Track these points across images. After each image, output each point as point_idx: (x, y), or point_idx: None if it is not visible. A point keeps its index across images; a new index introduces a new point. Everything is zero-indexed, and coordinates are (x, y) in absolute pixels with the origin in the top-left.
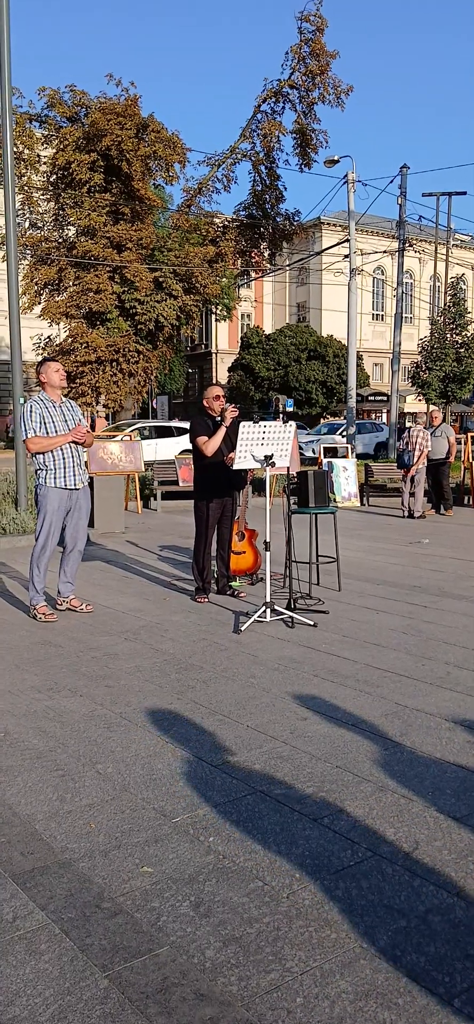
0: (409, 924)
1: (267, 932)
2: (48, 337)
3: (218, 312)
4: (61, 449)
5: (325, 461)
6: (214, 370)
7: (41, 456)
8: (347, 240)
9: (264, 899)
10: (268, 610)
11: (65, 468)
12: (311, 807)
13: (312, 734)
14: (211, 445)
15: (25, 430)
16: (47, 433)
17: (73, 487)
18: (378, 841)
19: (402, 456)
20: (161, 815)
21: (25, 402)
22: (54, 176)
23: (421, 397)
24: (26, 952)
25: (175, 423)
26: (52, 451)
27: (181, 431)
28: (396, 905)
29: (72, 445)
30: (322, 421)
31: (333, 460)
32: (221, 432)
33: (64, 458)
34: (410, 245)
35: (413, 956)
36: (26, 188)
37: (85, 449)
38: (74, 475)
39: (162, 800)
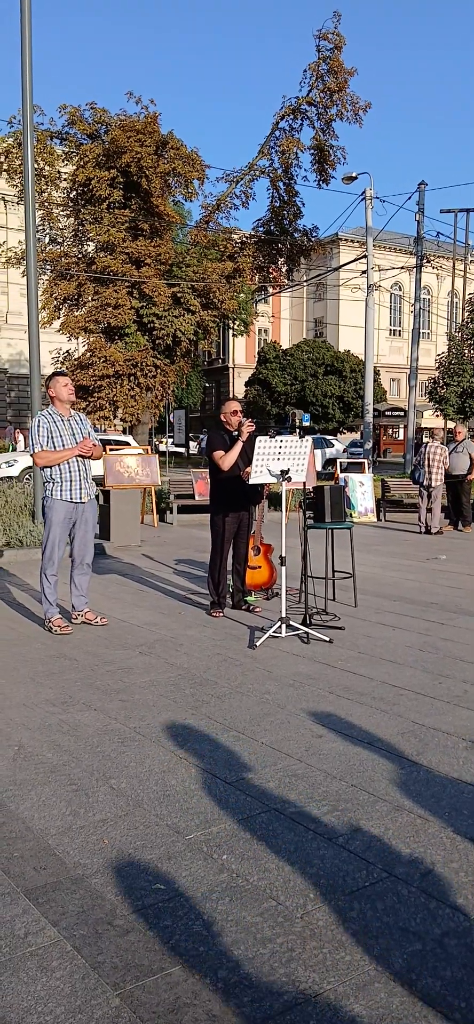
0: (425, 947)
1: (281, 953)
2: (67, 351)
3: (235, 327)
4: (68, 463)
5: (341, 476)
6: (231, 385)
7: (48, 470)
8: (364, 256)
9: (278, 919)
10: (283, 625)
11: (71, 481)
12: (326, 826)
13: (327, 752)
14: (227, 460)
15: (33, 445)
16: (54, 447)
17: (79, 500)
18: (393, 862)
19: (414, 472)
20: (175, 832)
21: (35, 417)
22: (74, 192)
23: (439, 413)
24: (38, 968)
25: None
26: (59, 464)
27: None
28: (412, 928)
29: (79, 459)
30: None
31: (350, 475)
32: (237, 447)
33: (71, 472)
34: (428, 261)
35: (429, 980)
36: (46, 204)
37: (98, 460)
38: (80, 488)
39: (176, 817)
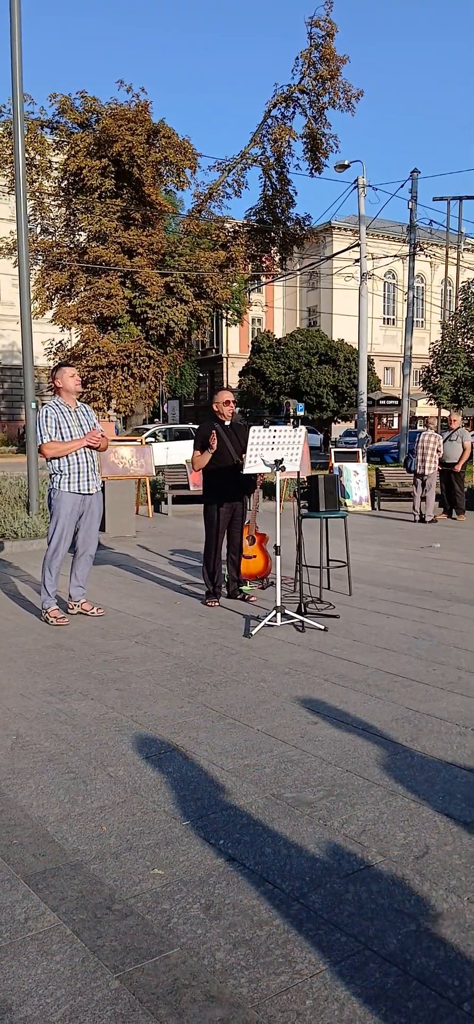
0: (419, 928)
1: (277, 935)
2: (59, 342)
3: (229, 317)
4: (76, 454)
5: (336, 465)
6: (225, 374)
7: (56, 461)
8: (358, 244)
9: (274, 902)
10: (278, 614)
11: (79, 473)
12: (321, 811)
13: (322, 738)
14: (198, 463)
15: (40, 435)
16: (62, 438)
17: (87, 492)
18: (388, 845)
19: (407, 461)
20: (172, 818)
21: (37, 407)
22: (65, 182)
23: (433, 401)
24: (38, 952)
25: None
26: (67, 456)
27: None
28: (406, 909)
29: (86, 450)
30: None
31: (344, 464)
32: (207, 456)
33: (78, 463)
34: (421, 249)
35: (423, 960)
36: (37, 194)
37: (104, 451)
38: (88, 480)
39: (173, 803)
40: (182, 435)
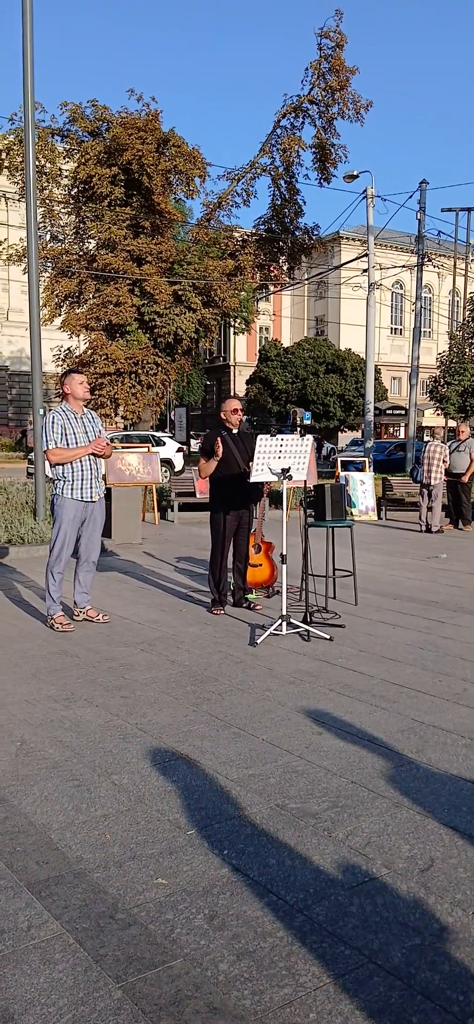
0: (424, 942)
1: (281, 947)
2: (68, 349)
3: (236, 325)
4: (80, 461)
5: (342, 474)
6: (232, 383)
7: (59, 467)
8: (366, 254)
9: (278, 913)
10: (284, 623)
11: (82, 480)
12: (326, 822)
13: (327, 749)
14: (203, 471)
15: (46, 441)
16: (68, 444)
17: (89, 499)
18: (393, 858)
19: (413, 471)
20: (176, 827)
21: (45, 414)
22: (75, 190)
23: (440, 411)
24: (40, 961)
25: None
26: (71, 462)
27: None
28: (411, 922)
29: (91, 457)
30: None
31: (351, 474)
32: (213, 463)
33: (82, 470)
34: (429, 260)
35: (427, 974)
36: (48, 201)
37: (107, 458)
38: (91, 487)
39: (177, 812)
40: (141, 441)
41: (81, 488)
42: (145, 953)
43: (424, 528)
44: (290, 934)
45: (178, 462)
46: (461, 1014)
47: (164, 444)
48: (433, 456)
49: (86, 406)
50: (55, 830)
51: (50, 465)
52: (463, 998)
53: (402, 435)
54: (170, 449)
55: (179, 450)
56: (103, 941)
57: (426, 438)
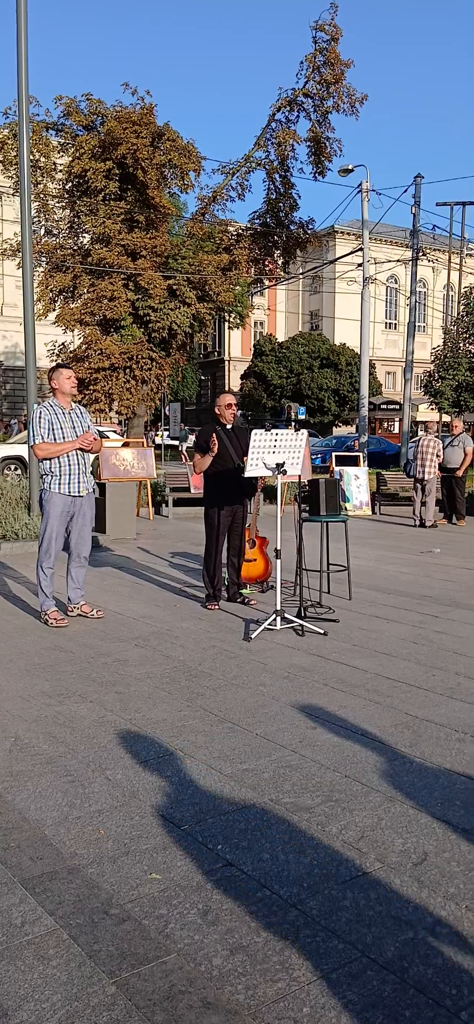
0: (417, 936)
1: (274, 941)
2: (62, 344)
3: (231, 320)
4: (67, 456)
5: (336, 469)
6: (227, 377)
7: (47, 462)
8: (361, 249)
9: (272, 908)
10: (278, 618)
11: (70, 475)
12: (319, 816)
13: (321, 743)
14: (199, 465)
15: (33, 436)
16: (55, 439)
17: (77, 494)
18: (386, 852)
19: (406, 466)
20: (170, 822)
21: (36, 408)
22: (70, 184)
23: (434, 406)
24: (34, 957)
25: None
26: (58, 457)
27: None
28: (404, 916)
29: (79, 452)
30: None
31: (345, 468)
32: (208, 459)
33: (69, 465)
34: (424, 254)
35: (420, 968)
36: (42, 196)
37: (97, 453)
38: (78, 482)
39: (171, 807)
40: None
41: (68, 483)
42: (139, 948)
43: (418, 523)
44: (284, 928)
45: None
46: (454, 1007)
47: (107, 438)
48: (427, 451)
49: (80, 401)
50: (49, 826)
51: (38, 460)
52: (456, 992)
53: (396, 429)
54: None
55: (124, 445)
56: (97, 936)
57: (420, 433)
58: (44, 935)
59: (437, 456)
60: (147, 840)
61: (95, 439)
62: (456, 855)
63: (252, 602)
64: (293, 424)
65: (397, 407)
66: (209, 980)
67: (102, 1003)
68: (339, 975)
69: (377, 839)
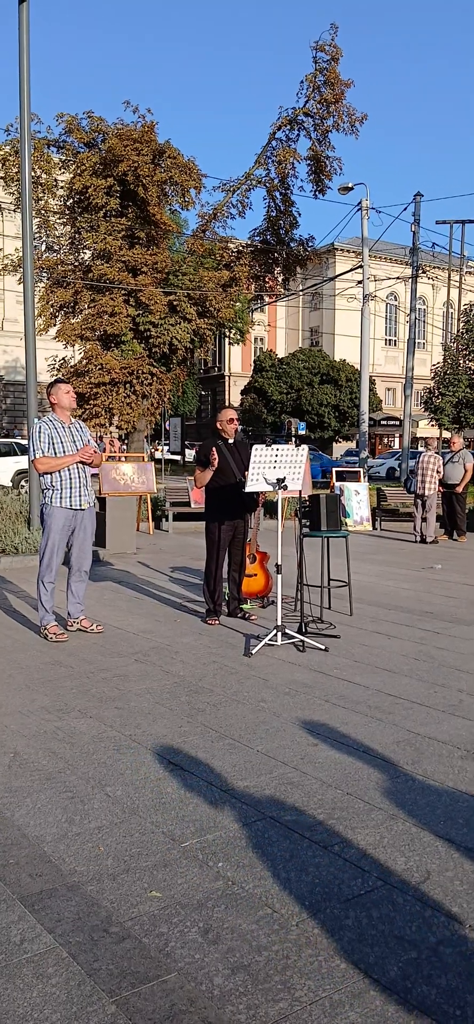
0: (420, 955)
1: (276, 960)
2: (63, 359)
3: (231, 336)
4: (68, 469)
5: (337, 485)
6: (227, 393)
7: (48, 476)
8: (361, 266)
9: (273, 927)
10: (279, 634)
11: (71, 488)
12: (321, 834)
13: (322, 760)
14: (199, 480)
15: (33, 450)
16: (55, 453)
17: (78, 507)
18: (389, 870)
19: (407, 482)
20: (170, 839)
21: (36, 422)
22: (71, 200)
23: (434, 422)
24: (33, 975)
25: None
26: (59, 471)
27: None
28: (407, 936)
29: (79, 466)
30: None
31: (345, 484)
32: (209, 473)
33: (71, 479)
34: (423, 272)
35: (424, 988)
36: (43, 212)
37: (95, 468)
38: (79, 496)
39: (171, 824)
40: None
41: (69, 497)
42: (139, 967)
43: (419, 539)
44: (285, 948)
45: None
46: None
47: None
48: (427, 467)
49: (81, 416)
50: (48, 842)
51: (39, 475)
52: (460, 1012)
53: (397, 445)
54: None
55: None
56: (97, 955)
57: (420, 449)
58: (43, 953)
59: (437, 472)
60: (147, 857)
61: (95, 452)
62: (459, 874)
63: (253, 617)
64: (293, 440)
65: (397, 423)
66: (210, 1000)
67: (102, 1022)
68: (341, 995)
69: (379, 857)
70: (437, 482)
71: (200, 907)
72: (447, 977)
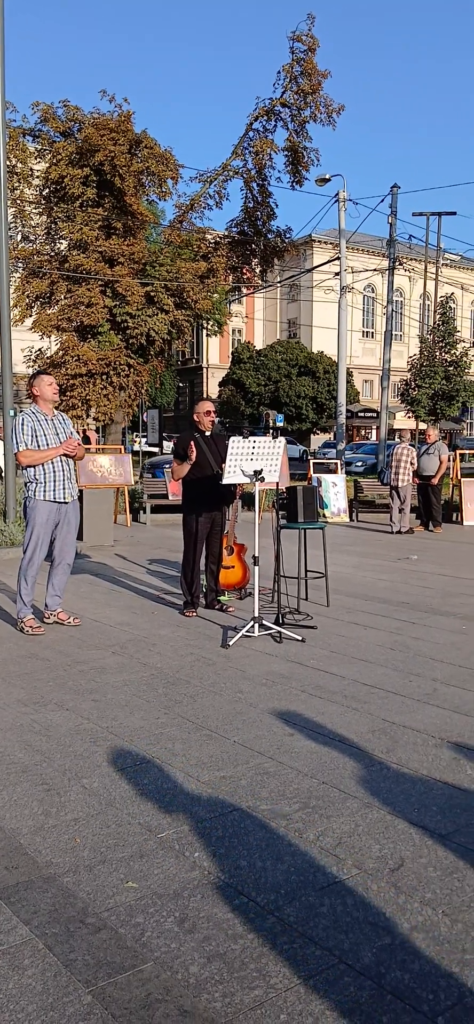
0: (394, 941)
1: (252, 948)
2: (39, 350)
3: (209, 327)
4: (52, 462)
5: (314, 476)
6: (205, 384)
7: (32, 469)
8: (338, 258)
9: (249, 915)
10: (256, 625)
11: (55, 481)
12: (297, 823)
13: (299, 750)
14: (177, 473)
15: (16, 443)
16: (38, 446)
17: (62, 500)
18: (363, 858)
19: (381, 474)
20: (147, 830)
21: (15, 415)
22: (47, 190)
23: (410, 414)
24: (9, 967)
25: None
26: (43, 464)
27: None
28: (381, 922)
29: (63, 458)
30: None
31: (323, 476)
32: (186, 467)
33: (54, 471)
34: (400, 264)
35: (397, 973)
36: (18, 201)
37: (81, 460)
38: (64, 488)
39: (148, 815)
40: None
41: (53, 489)
42: (115, 957)
43: (395, 529)
44: (261, 936)
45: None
46: (431, 1012)
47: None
48: (400, 458)
49: (57, 408)
50: (24, 835)
51: (22, 468)
52: (433, 996)
53: (374, 437)
54: None
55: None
56: (73, 946)
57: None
58: (19, 945)
59: (411, 464)
60: (124, 848)
61: (79, 445)
62: (433, 860)
63: (230, 609)
64: (271, 431)
65: (374, 415)
66: (186, 988)
67: (78, 1012)
68: (316, 981)
69: (354, 845)
70: (411, 473)
71: (176, 897)
72: (420, 962)
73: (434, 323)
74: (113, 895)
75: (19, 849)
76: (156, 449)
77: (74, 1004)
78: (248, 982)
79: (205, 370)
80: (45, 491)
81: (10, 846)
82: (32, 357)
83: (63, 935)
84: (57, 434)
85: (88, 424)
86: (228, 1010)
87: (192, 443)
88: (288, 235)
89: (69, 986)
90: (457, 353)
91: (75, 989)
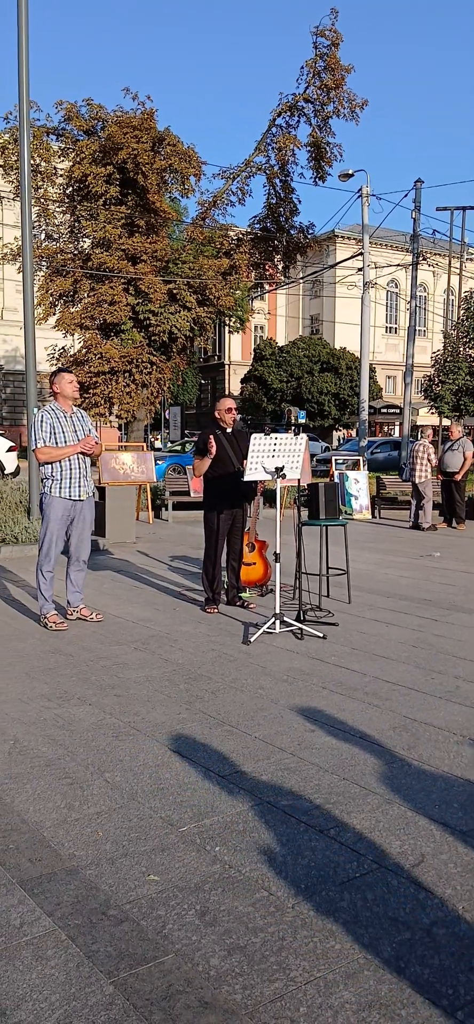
0: (413, 936)
1: (272, 942)
2: (62, 348)
3: (231, 324)
4: (69, 460)
5: (336, 473)
6: (227, 381)
7: (48, 466)
8: (361, 253)
9: (269, 909)
10: (277, 621)
11: (71, 479)
12: (317, 819)
13: (319, 746)
14: (198, 469)
15: (35, 439)
16: (56, 443)
17: (77, 498)
18: (384, 854)
19: (401, 471)
20: (168, 824)
21: (38, 411)
22: (70, 188)
23: (434, 410)
24: (33, 957)
25: None
26: (59, 461)
27: None
28: (401, 917)
29: (80, 456)
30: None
31: (345, 472)
32: (206, 462)
33: (71, 469)
34: (424, 259)
35: (417, 968)
36: (42, 200)
37: (98, 457)
38: (79, 486)
39: (169, 809)
40: None
41: (69, 487)
42: (137, 949)
43: (410, 525)
44: (281, 929)
45: (10, 463)
46: (450, 1007)
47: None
48: (417, 455)
49: (80, 405)
50: (48, 828)
51: (39, 464)
52: (452, 991)
53: (397, 433)
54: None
55: (10, 449)
56: (95, 937)
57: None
58: (43, 936)
59: (428, 460)
60: (145, 842)
61: (96, 443)
62: (453, 857)
63: (251, 606)
64: (293, 428)
65: (397, 411)
66: (206, 980)
67: (100, 1003)
68: (336, 975)
69: (375, 841)
70: (429, 470)
71: (197, 890)
72: (440, 957)
73: (458, 318)
74: (135, 888)
75: (43, 842)
76: (178, 447)
77: (96, 994)
78: (268, 975)
79: (227, 367)
80: (60, 488)
81: (34, 839)
82: (56, 355)
83: (85, 927)
84: (75, 431)
85: (110, 422)
86: (248, 1002)
87: (211, 438)
88: (311, 231)
89: (91, 977)
90: None
91: (97, 980)
